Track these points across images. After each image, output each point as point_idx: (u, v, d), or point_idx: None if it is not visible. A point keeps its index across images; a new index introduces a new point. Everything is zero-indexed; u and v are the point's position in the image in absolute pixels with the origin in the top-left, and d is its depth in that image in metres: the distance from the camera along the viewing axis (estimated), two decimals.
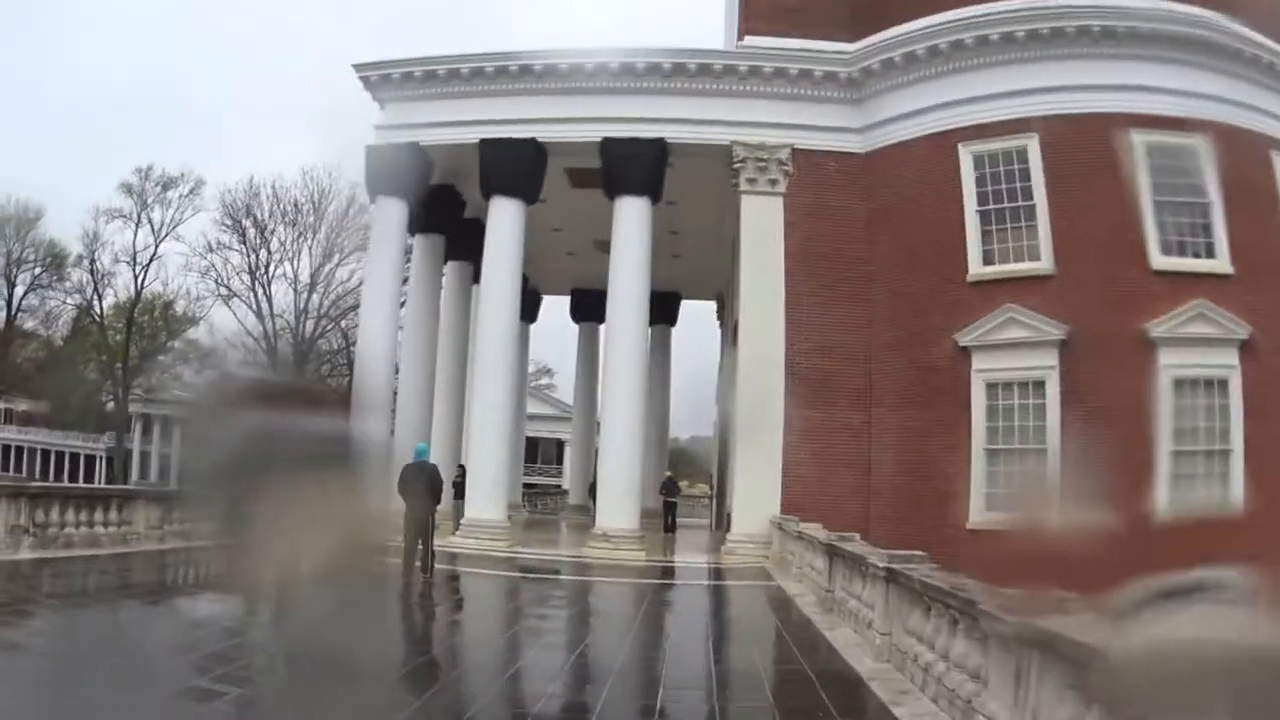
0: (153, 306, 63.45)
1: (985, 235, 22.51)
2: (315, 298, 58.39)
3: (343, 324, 58.07)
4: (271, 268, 58.89)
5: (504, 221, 25.67)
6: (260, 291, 58.68)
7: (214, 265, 59.31)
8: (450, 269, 31.26)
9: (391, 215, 27.24)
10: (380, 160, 26.90)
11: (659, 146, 24.93)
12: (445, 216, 29.33)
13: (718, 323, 39.28)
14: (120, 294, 61.86)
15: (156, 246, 59.87)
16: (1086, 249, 21.39)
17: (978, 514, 21.09)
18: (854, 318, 23.99)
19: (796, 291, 24.06)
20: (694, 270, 34.42)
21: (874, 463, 23.24)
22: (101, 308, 61.90)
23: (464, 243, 29.13)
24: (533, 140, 25.49)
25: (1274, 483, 18.71)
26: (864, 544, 13.78)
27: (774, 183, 24.57)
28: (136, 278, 60.57)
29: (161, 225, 59.98)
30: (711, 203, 27.33)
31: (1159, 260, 21.25)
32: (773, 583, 18.74)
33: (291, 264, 58.75)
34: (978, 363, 22.09)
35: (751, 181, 24.62)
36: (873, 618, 10.76)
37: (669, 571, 22.47)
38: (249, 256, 58.70)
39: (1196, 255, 21.44)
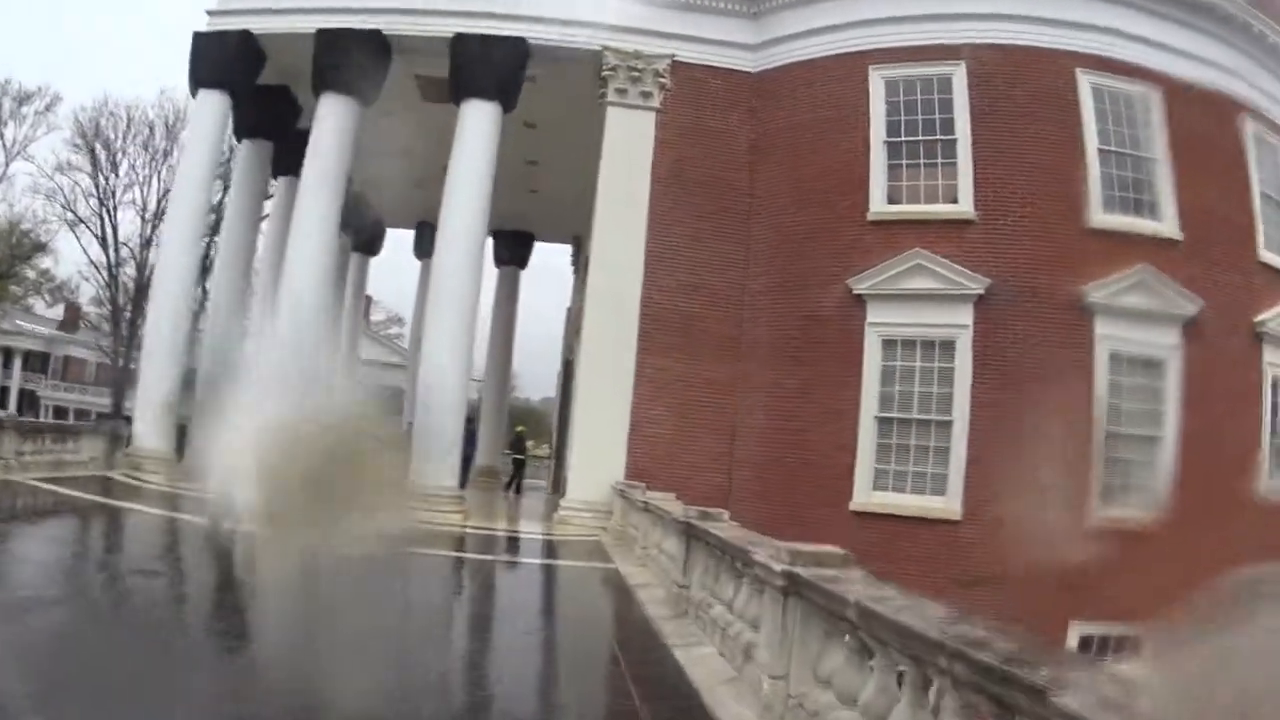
0: (7, 232, 54.84)
1: (893, 170, 17.75)
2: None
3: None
4: (119, 193, 51.09)
5: (333, 121, 20.18)
6: (107, 218, 50.89)
7: (61, 188, 51.51)
8: (279, 185, 25.53)
9: (212, 110, 21.53)
10: (206, 48, 21.28)
11: (519, 47, 19.74)
12: (276, 121, 23.50)
13: (572, 270, 33.82)
14: None
15: (7, 166, 51.81)
16: (1015, 195, 16.93)
17: (863, 494, 16.58)
18: (728, 255, 19.08)
19: (662, 220, 19.13)
20: (551, 207, 29.11)
21: (740, 425, 18.40)
22: None
23: (295, 156, 22.85)
24: (377, 33, 20.19)
25: (1202, 482, 15.40)
26: (737, 526, 8.98)
27: (647, 95, 19.60)
28: None
29: (14, 143, 51.74)
30: (576, 130, 22.13)
31: (1099, 217, 16.88)
32: (610, 565, 13.90)
33: (141, 190, 51.04)
34: (874, 314, 17.24)
35: (621, 92, 19.63)
36: (756, 644, 6.27)
37: (487, 543, 17.15)
38: (98, 180, 50.83)
39: (1140, 215, 16.82)
